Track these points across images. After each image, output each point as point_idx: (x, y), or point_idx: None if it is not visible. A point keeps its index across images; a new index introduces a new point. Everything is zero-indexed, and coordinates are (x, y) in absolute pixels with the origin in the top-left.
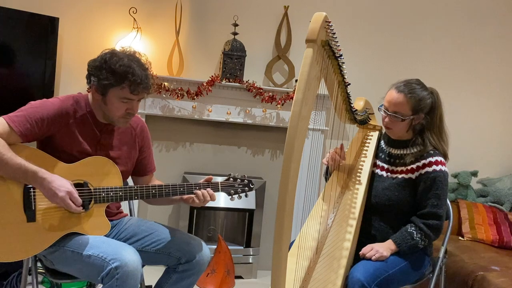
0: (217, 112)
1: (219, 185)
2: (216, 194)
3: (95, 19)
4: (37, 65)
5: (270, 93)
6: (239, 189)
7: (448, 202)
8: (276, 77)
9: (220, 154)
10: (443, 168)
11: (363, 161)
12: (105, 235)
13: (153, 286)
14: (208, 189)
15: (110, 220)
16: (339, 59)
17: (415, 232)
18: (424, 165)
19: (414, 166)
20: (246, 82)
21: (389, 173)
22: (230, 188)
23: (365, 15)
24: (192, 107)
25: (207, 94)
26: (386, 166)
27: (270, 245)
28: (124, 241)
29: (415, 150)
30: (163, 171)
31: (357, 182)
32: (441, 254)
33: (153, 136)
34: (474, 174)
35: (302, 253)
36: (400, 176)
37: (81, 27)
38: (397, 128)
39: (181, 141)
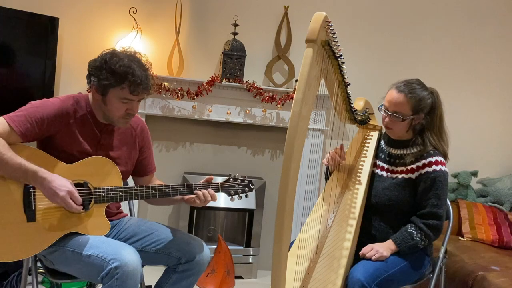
0: (217, 112)
1: (219, 186)
2: (216, 194)
3: (95, 19)
4: (37, 65)
5: (270, 93)
6: (239, 190)
7: (448, 202)
8: (276, 77)
9: (220, 154)
10: (443, 168)
11: (363, 161)
12: (105, 235)
13: (153, 286)
14: (209, 189)
15: (110, 220)
16: (339, 59)
17: (415, 232)
18: (424, 165)
19: (414, 166)
20: (246, 82)
21: (389, 173)
22: (230, 189)
23: (365, 15)
24: (192, 107)
25: (207, 94)
26: (386, 166)
27: (270, 245)
28: (124, 241)
29: (415, 150)
30: (163, 171)
31: (357, 182)
32: (441, 254)
33: (153, 136)
34: (474, 174)
35: (302, 253)
36: (400, 176)
37: (81, 27)
38: (397, 128)
39: (181, 141)
